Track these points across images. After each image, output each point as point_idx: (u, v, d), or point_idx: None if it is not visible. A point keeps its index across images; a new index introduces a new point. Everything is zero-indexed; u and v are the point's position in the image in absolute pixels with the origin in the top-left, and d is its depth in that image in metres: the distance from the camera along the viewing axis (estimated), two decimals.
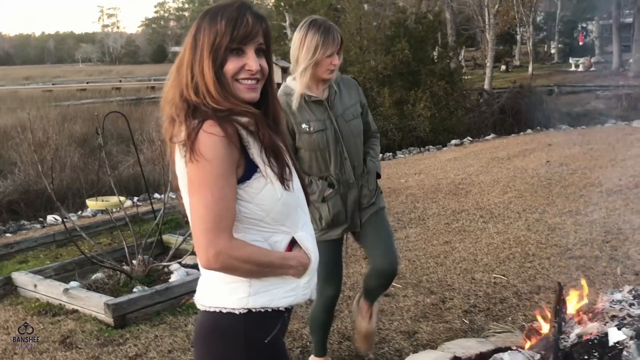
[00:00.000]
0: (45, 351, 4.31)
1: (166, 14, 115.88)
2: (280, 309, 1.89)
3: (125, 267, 5.57)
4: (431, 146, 14.27)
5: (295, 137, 3.22)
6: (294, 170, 1.94)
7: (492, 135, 15.17)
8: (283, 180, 1.85)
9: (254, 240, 1.84)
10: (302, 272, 1.91)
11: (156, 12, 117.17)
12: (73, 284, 5.28)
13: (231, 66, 1.84)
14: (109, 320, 4.61)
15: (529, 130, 15.47)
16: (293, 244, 1.91)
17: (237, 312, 1.83)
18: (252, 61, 1.85)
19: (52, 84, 45.24)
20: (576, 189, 8.15)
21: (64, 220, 6.25)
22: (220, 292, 1.86)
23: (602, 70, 35.30)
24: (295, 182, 1.94)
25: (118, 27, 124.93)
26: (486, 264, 5.63)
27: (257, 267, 1.82)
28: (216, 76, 1.82)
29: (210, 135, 1.73)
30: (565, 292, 3.18)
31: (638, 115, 16.69)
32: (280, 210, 1.86)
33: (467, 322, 4.46)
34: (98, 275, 5.58)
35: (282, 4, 20.40)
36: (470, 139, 14.78)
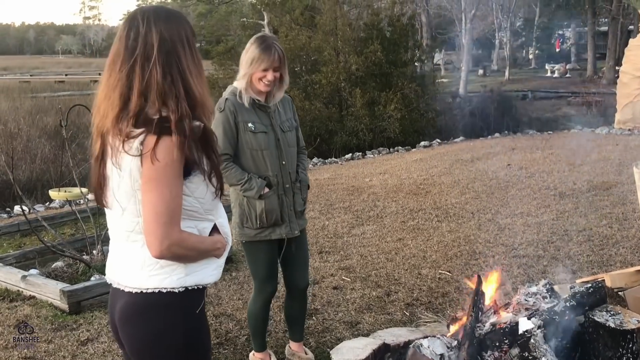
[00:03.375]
0: None
1: None
2: (208, 285, 2.17)
3: (84, 257, 5.73)
4: (400, 147, 14.51)
5: (238, 135, 3.45)
6: None
7: (461, 138, 15.45)
8: (220, 194, 2.12)
9: (187, 227, 2.07)
10: (222, 253, 2.19)
11: (138, 5, 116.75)
12: (32, 271, 5.43)
13: None
14: (64, 306, 4.77)
15: (497, 134, 15.78)
16: (213, 228, 2.18)
17: (176, 290, 2.08)
18: None
19: (30, 75, 44.97)
20: (531, 191, 8.43)
21: (26, 210, 6.38)
22: (157, 275, 2.08)
23: (577, 77, 35.88)
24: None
25: (99, 20, 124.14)
26: (434, 260, 5.87)
27: (198, 254, 2.10)
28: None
29: (170, 140, 1.93)
30: (484, 285, 3.41)
31: (605, 122, 17.10)
32: (212, 202, 2.12)
33: (408, 314, 4.69)
34: (58, 264, 5.73)
35: (260, 2, 20.55)
36: (439, 141, 15.05)
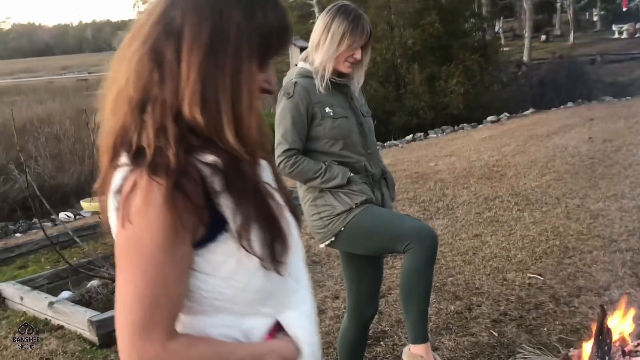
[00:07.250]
0: None
1: None
2: None
3: None
4: (466, 124, 13.57)
5: (312, 125, 2.73)
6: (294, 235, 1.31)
7: (531, 110, 14.36)
8: (275, 262, 1.22)
9: (218, 325, 1.23)
10: None
11: None
12: (64, 294, 4.85)
13: None
14: (93, 338, 4.14)
15: (569, 104, 14.64)
16: (278, 328, 1.30)
17: None
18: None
19: (89, 73, 45.45)
20: (621, 168, 7.43)
21: (71, 217, 5.84)
22: None
23: None
24: (295, 252, 1.31)
25: None
26: (520, 260, 5.01)
27: None
28: None
29: (149, 188, 1.08)
30: (609, 316, 2.57)
31: None
32: (261, 286, 1.24)
33: (496, 335, 3.87)
34: (93, 282, 5.11)
35: None
36: (507, 115, 14.02)
